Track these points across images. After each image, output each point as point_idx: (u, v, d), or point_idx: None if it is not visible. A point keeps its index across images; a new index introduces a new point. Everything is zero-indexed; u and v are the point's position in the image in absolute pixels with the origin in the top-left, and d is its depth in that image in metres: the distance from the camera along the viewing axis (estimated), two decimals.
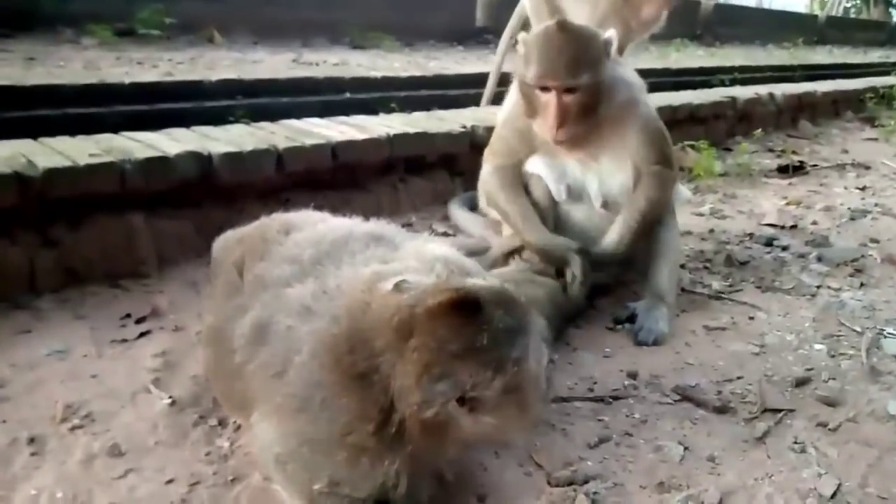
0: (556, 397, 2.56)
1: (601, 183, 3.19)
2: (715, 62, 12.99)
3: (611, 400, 2.58)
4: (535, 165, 3.21)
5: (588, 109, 2.93)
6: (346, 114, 7.03)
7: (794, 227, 4.69)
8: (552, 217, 3.24)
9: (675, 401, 2.61)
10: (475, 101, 6.47)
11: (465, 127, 4.72)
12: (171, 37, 8.81)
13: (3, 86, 5.24)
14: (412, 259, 2.08)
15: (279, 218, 2.52)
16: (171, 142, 3.65)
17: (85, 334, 2.85)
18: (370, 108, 7.42)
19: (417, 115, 5.18)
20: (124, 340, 2.83)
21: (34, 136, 4.01)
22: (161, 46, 8.13)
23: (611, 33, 2.98)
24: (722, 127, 7.30)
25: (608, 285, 3.44)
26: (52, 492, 2.00)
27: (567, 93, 2.90)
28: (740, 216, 4.96)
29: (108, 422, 2.33)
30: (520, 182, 3.22)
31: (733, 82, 11.62)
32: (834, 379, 2.79)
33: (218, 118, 6.34)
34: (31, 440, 2.21)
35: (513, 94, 3.32)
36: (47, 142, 3.48)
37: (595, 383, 2.69)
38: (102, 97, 5.77)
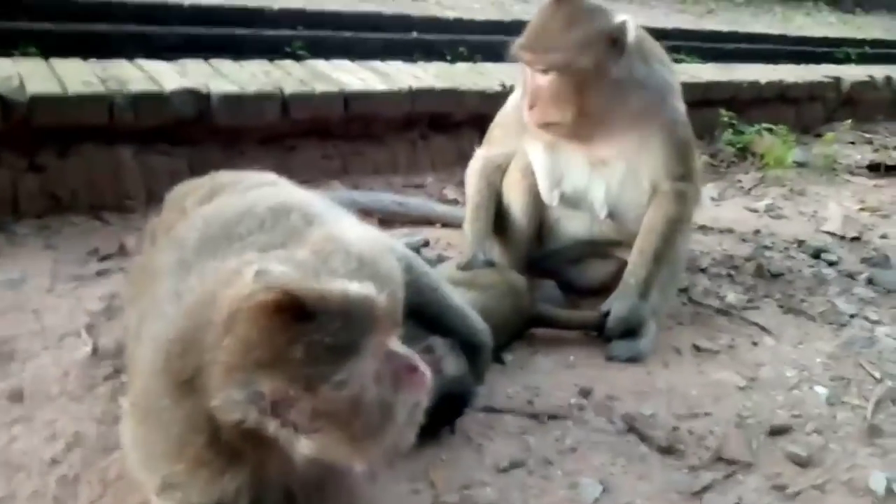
0: (486, 406, 2.36)
1: (609, 191, 2.84)
2: (845, 32, 11.72)
3: (546, 418, 2.35)
4: (535, 161, 2.91)
5: (565, 96, 2.57)
6: (411, 54, 6.81)
7: (855, 238, 4.15)
8: (534, 221, 2.97)
9: (619, 431, 2.34)
10: None
11: (503, 86, 4.40)
12: None
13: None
14: (312, 246, 1.91)
15: (217, 179, 2.38)
16: (177, 76, 3.57)
17: (46, 266, 2.87)
18: (437, 51, 7.13)
19: (459, 66, 4.90)
20: (79, 277, 2.83)
21: (91, 53, 4.09)
22: None
23: (623, 20, 2.59)
24: (818, 110, 6.56)
25: (602, 285, 3.13)
26: None
27: (541, 72, 2.58)
28: (799, 218, 4.44)
29: (25, 363, 2.33)
30: (497, 177, 3.01)
31: (862, 57, 10.46)
32: (819, 432, 2.43)
33: (275, 48, 6.26)
34: None
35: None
36: (54, 63, 3.48)
37: (538, 396, 2.46)
38: (161, 17, 5.79)
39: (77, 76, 3.31)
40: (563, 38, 2.54)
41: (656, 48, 2.88)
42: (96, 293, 2.73)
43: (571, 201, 2.93)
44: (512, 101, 3.04)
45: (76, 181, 3.23)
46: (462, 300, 2.40)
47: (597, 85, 2.61)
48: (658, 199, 2.82)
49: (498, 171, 3.03)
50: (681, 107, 2.91)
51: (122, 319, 2.58)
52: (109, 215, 3.29)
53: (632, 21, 2.61)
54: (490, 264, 2.88)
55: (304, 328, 1.44)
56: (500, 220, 3.05)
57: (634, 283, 2.77)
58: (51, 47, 4.97)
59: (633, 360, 2.73)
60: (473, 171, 3.10)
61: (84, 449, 2.02)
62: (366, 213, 3.48)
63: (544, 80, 2.58)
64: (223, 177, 2.46)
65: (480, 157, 3.10)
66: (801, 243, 4.00)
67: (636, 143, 2.77)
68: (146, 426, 1.67)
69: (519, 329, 2.73)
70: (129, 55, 4.64)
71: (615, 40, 2.58)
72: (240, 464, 1.60)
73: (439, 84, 4.20)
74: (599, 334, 2.82)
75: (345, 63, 4.40)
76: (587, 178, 2.87)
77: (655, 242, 2.79)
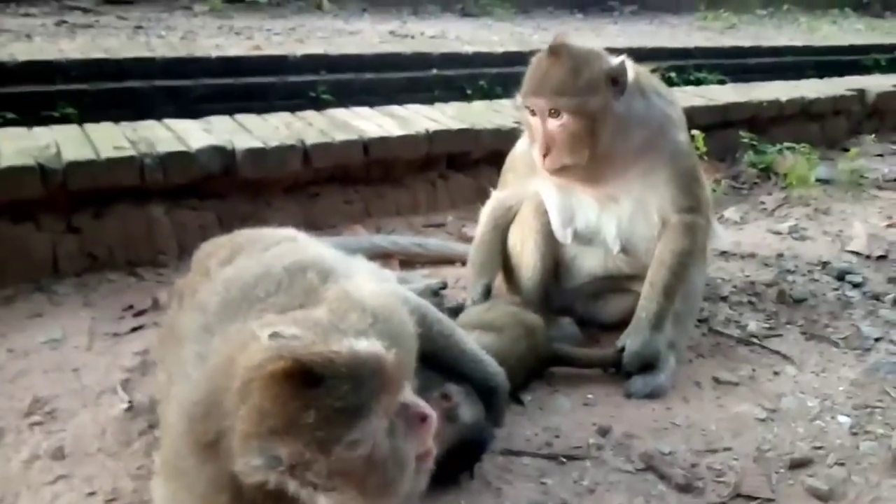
0: (505, 449, 2.41)
1: (620, 227, 2.90)
2: (873, 39, 11.58)
3: (564, 460, 2.39)
4: (547, 201, 3.00)
5: (579, 139, 2.65)
6: (432, 91, 6.96)
7: (882, 257, 4.09)
8: (548, 259, 3.03)
9: (637, 469, 2.37)
10: None
11: (518, 122, 4.47)
12: (281, 3, 9.03)
13: (99, 59, 5.62)
14: (328, 304, 2.00)
15: (237, 238, 2.50)
16: (203, 133, 3.73)
17: (84, 324, 3.02)
18: (457, 86, 7.29)
19: (476, 104, 5.00)
20: (116, 334, 2.97)
21: (125, 109, 4.30)
22: (267, 14, 8.36)
23: (621, 60, 2.68)
24: (842, 124, 6.49)
25: (621, 320, 3.16)
26: None
27: (553, 118, 2.66)
28: (823, 238, 4.40)
29: (65, 421, 2.46)
30: (506, 218, 3.12)
31: (892, 63, 10.32)
32: (842, 464, 2.42)
33: (300, 93, 6.50)
34: None
35: None
36: (88, 128, 3.68)
37: (557, 437, 2.50)
38: (189, 70, 6.05)
39: (109, 140, 3.49)
40: (571, 81, 2.63)
41: (653, 80, 2.95)
42: (132, 349, 2.87)
43: (584, 238, 2.99)
44: (520, 145, 3.12)
45: (112, 240, 3.40)
46: (476, 345, 2.47)
47: (604, 124, 2.69)
48: (667, 232, 2.86)
49: (508, 212, 3.13)
50: (683, 137, 2.96)
51: (155, 375, 2.72)
52: (144, 271, 3.45)
53: (629, 60, 2.71)
54: (487, 296, 3.01)
55: (314, 393, 1.52)
56: (514, 260, 3.12)
57: (646, 318, 2.81)
58: (86, 106, 5.26)
59: (652, 395, 2.76)
60: (484, 212, 3.22)
61: None
62: (387, 255, 3.61)
63: (556, 126, 2.66)
64: (243, 236, 2.58)
65: (494, 199, 3.21)
66: (825, 265, 3.97)
67: (641, 177, 2.84)
68: (175, 485, 1.77)
69: (536, 369, 2.78)
70: (161, 109, 4.89)
71: (615, 79, 2.67)
72: None
73: (456, 124, 4.30)
74: (617, 371, 2.85)
75: (364, 110, 4.53)
76: (598, 215, 2.94)
77: (665, 276, 2.83)
